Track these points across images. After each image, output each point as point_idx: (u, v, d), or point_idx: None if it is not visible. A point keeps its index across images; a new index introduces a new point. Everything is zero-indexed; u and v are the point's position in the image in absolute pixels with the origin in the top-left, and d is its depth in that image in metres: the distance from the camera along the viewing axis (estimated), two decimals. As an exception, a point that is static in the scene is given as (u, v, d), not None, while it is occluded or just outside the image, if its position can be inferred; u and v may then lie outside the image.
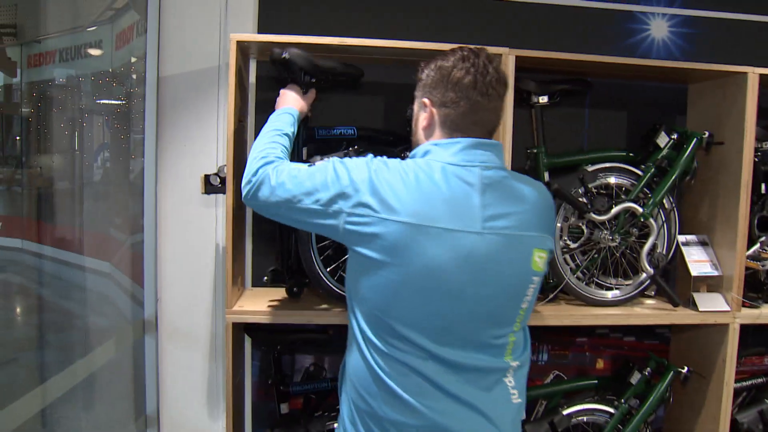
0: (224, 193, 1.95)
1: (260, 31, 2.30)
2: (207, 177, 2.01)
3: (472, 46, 1.39)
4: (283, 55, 1.77)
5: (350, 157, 1.74)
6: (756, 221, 2.33)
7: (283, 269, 2.03)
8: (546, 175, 2.20)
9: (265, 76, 2.32)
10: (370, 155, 1.36)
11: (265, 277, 2.09)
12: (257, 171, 1.40)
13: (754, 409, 2.32)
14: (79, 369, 2.17)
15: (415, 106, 1.44)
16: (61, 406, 2.11)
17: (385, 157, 1.35)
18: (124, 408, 2.41)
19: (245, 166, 1.46)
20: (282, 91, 1.78)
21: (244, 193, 1.42)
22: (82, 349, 2.37)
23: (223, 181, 2.00)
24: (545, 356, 2.54)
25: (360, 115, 2.33)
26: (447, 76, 1.34)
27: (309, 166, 1.37)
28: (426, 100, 1.37)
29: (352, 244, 1.31)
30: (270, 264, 2.25)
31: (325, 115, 2.23)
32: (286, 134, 1.57)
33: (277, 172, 1.38)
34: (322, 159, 1.81)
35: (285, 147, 1.53)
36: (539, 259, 1.33)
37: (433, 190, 1.26)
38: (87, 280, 2.56)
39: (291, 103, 1.73)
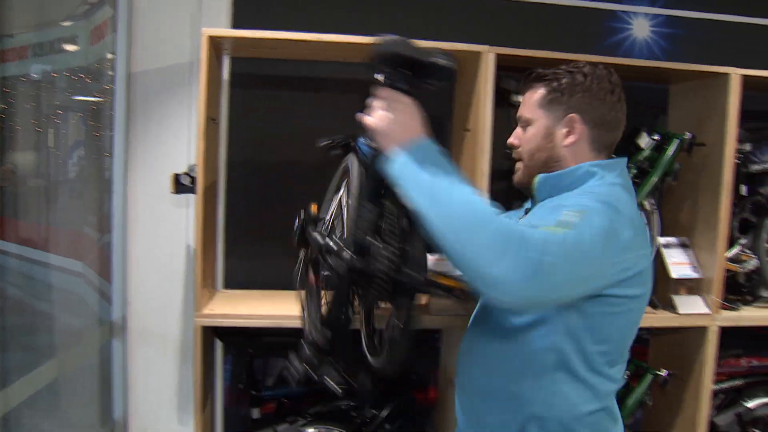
0: (195, 192, 1.91)
1: (235, 26, 2.25)
2: (177, 176, 1.97)
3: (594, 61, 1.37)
4: (437, 61, 1.10)
5: None
6: (737, 224, 2.31)
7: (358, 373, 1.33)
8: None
9: (240, 73, 2.27)
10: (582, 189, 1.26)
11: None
12: (527, 255, 0.97)
13: (731, 411, 2.32)
14: (45, 372, 2.12)
15: (545, 117, 1.33)
16: (24, 411, 2.05)
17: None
18: (90, 413, 2.35)
19: (473, 249, 0.98)
20: (399, 107, 1.12)
21: (511, 290, 0.97)
22: (49, 351, 2.32)
23: (193, 180, 1.95)
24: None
25: (333, 116, 2.29)
26: (599, 93, 1.30)
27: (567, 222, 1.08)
28: (575, 116, 1.30)
29: (609, 288, 1.17)
30: (245, 267, 2.19)
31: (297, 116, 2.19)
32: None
33: (549, 244, 1.00)
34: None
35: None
36: None
37: (639, 214, 1.27)
38: (58, 280, 2.51)
39: (424, 128, 1.15)
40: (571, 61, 1.64)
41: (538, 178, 1.32)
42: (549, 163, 1.32)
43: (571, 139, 1.30)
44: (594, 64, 1.33)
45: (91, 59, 2.67)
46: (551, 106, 1.32)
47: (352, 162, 1.38)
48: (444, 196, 1.03)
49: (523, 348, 1.24)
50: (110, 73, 2.44)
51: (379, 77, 1.14)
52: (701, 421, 2.13)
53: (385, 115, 1.11)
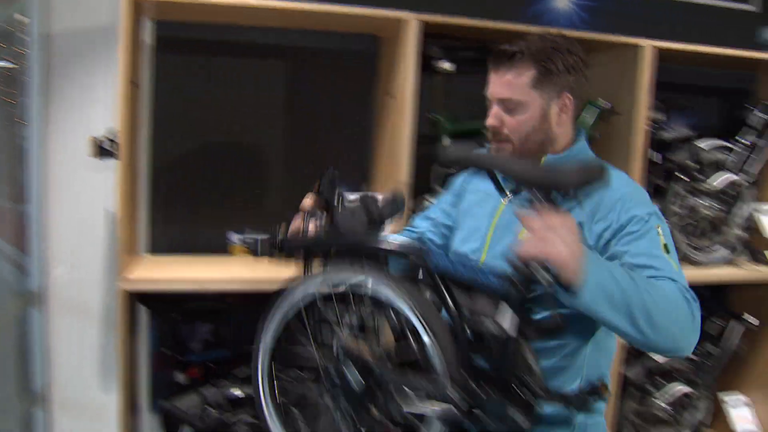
0: (116, 157, 1.86)
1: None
2: (96, 140, 1.91)
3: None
4: (602, 176, 1.05)
5: None
6: (651, 189, 2.43)
7: None
8: (447, 142, 2.22)
9: (165, 37, 2.22)
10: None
11: None
12: (697, 315, 1.08)
13: (639, 365, 2.47)
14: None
15: (539, 98, 1.26)
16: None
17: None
18: (8, 386, 2.28)
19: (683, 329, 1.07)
20: (571, 230, 1.01)
21: (693, 346, 1.09)
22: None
23: (115, 144, 1.90)
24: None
25: (261, 83, 2.28)
26: (583, 69, 1.29)
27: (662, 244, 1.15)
28: (568, 95, 1.28)
29: None
30: (170, 233, 2.17)
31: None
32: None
33: (684, 283, 1.12)
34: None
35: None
36: None
37: None
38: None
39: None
40: (501, 30, 1.66)
41: (546, 160, 1.30)
42: (545, 143, 1.30)
43: (564, 117, 1.29)
44: (563, 36, 1.30)
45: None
46: (543, 86, 1.26)
47: (404, 292, 1.03)
48: (642, 307, 1.02)
49: (575, 327, 1.20)
50: (23, 36, 2.33)
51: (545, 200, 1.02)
52: (613, 374, 2.25)
53: (568, 243, 0.99)
